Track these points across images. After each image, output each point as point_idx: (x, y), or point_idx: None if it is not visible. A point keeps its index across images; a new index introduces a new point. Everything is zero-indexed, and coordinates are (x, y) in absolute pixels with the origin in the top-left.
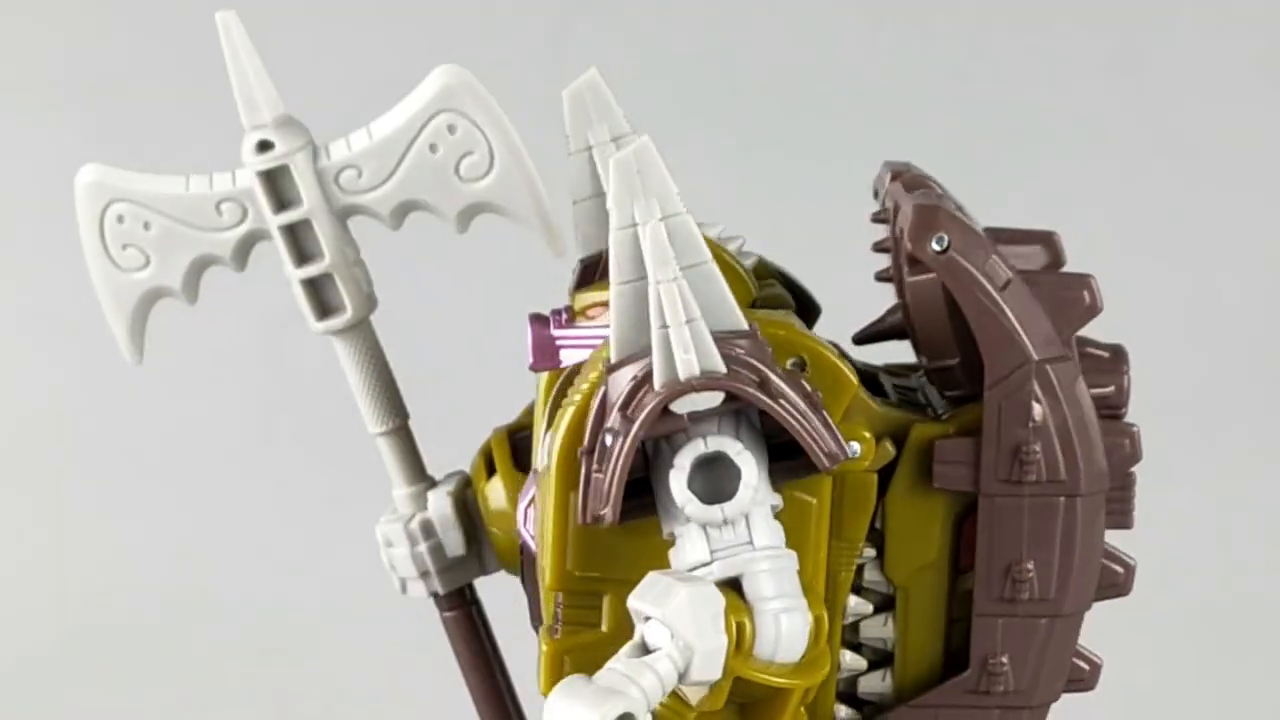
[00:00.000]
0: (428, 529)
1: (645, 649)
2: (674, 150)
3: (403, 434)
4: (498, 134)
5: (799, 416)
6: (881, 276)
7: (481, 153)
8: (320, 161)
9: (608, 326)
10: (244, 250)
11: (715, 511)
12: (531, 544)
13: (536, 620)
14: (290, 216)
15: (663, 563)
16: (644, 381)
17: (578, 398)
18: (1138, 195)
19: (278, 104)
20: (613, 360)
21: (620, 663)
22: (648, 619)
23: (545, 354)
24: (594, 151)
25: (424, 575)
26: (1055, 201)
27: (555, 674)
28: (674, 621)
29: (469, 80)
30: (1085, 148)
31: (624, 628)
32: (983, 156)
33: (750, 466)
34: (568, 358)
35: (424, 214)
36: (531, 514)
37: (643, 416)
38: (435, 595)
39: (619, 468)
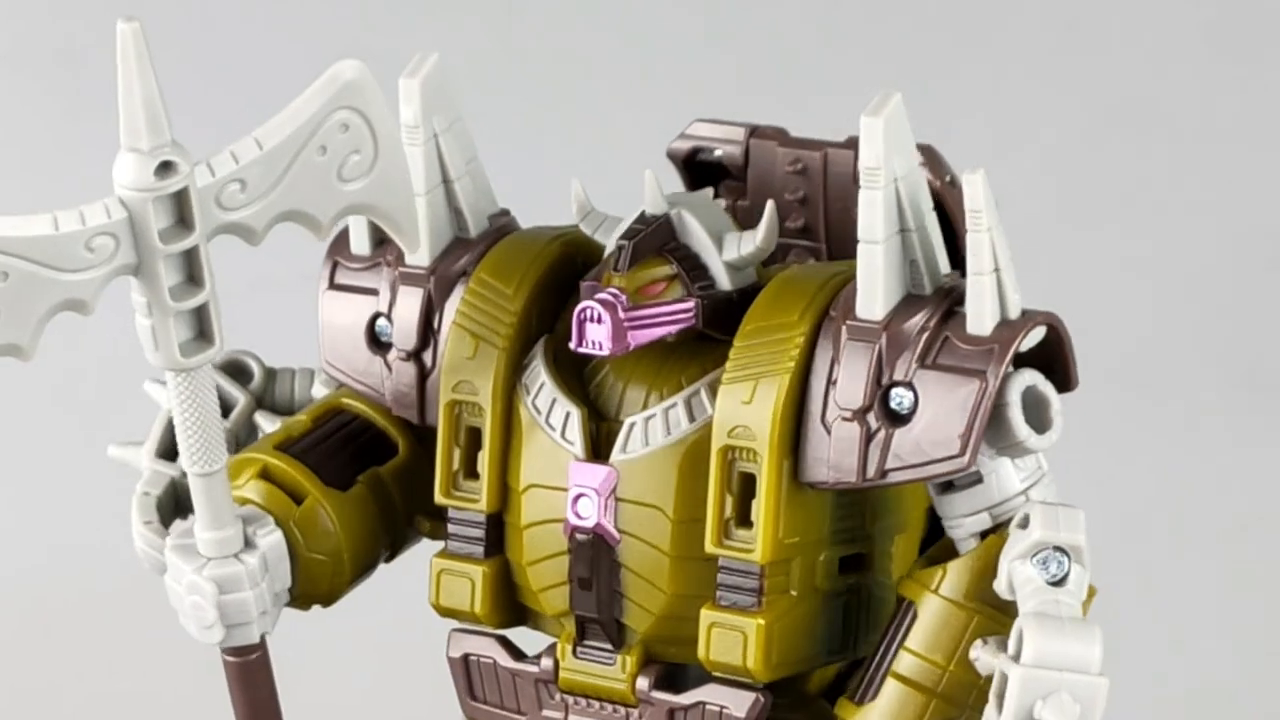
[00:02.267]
0: (264, 566)
1: None
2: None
3: (223, 474)
4: (386, 130)
5: None
6: None
7: (366, 151)
8: (203, 179)
9: (680, 302)
10: (102, 289)
11: (1046, 439)
12: (615, 534)
13: (609, 611)
14: (184, 244)
15: (868, 509)
16: (937, 329)
17: (788, 365)
18: (1087, 162)
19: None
20: (880, 316)
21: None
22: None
23: (619, 338)
24: (440, 139)
25: (261, 616)
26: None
27: (771, 647)
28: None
29: (368, 74)
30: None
31: (808, 589)
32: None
33: (1053, 392)
34: (637, 338)
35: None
36: (611, 505)
37: (1008, 356)
38: (234, 645)
39: (983, 412)
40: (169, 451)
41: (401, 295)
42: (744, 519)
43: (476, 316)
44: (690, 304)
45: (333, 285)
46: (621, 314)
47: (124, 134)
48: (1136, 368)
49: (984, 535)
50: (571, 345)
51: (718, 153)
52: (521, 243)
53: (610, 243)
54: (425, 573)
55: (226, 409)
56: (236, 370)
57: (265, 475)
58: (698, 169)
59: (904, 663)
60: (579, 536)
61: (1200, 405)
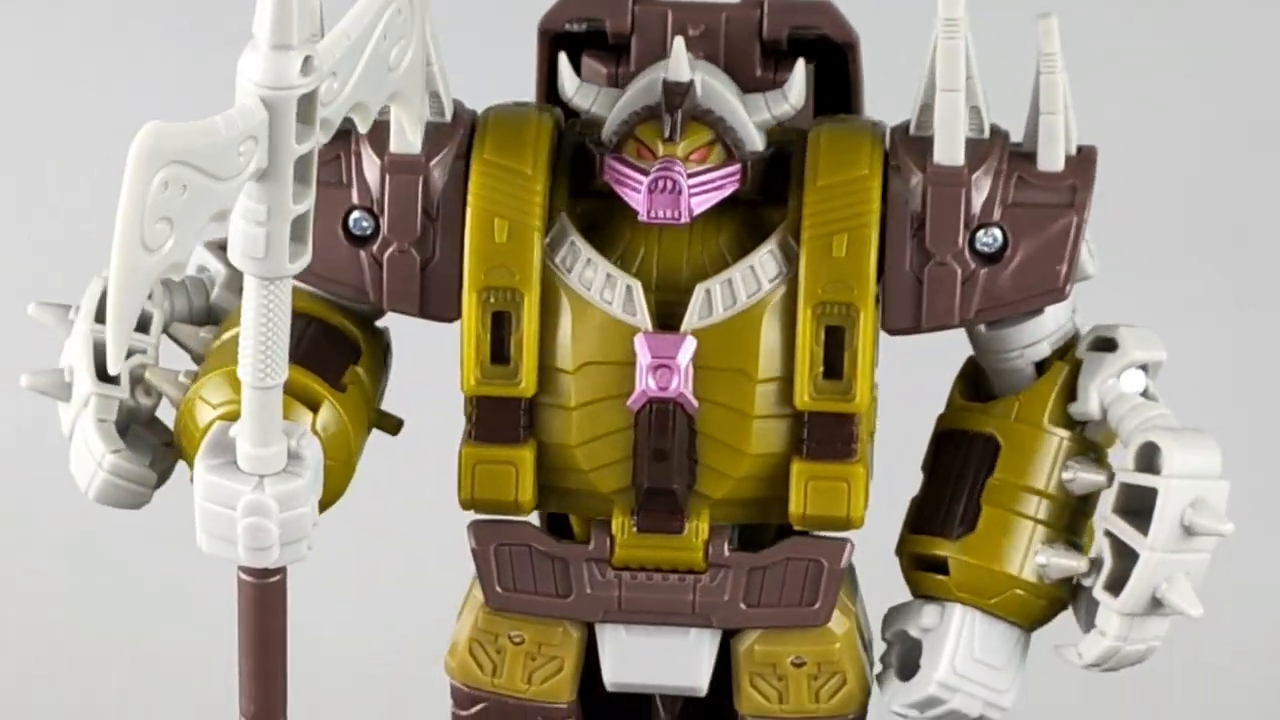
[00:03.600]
0: (316, 477)
1: None
2: None
3: (280, 389)
4: (421, 12)
5: None
6: None
7: (408, 36)
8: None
9: (726, 165)
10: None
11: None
12: (694, 401)
13: (685, 481)
14: (309, 144)
15: None
16: (1010, 169)
17: (869, 217)
18: None
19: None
20: (961, 161)
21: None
22: None
23: (688, 206)
24: (425, 21)
25: (313, 530)
26: None
27: (866, 494)
28: None
29: None
30: None
31: (870, 435)
32: None
33: None
34: (697, 205)
35: None
36: (689, 373)
37: (1092, 190)
38: (264, 567)
39: (1076, 245)
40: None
41: (393, 184)
42: (830, 371)
43: (499, 199)
44: (737, 167)
45: None
46: (687, 182)
47: (269, 31)
48: None
49: (1039, 365)
50: (642, 216)
51: (584, 28)
52: (513, 120)
53: (611, 114)
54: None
55: (143, 324)
56: None
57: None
58: (558, 42)
59: (996, 492)
60: (658, 408)
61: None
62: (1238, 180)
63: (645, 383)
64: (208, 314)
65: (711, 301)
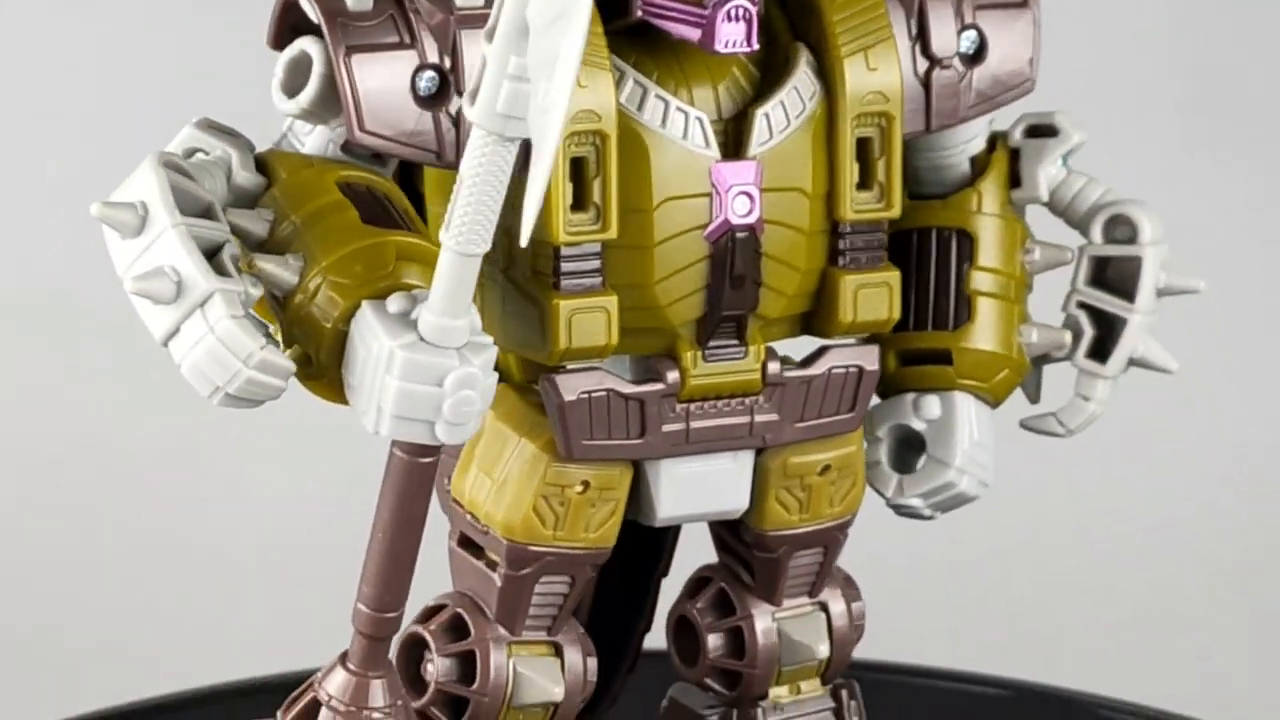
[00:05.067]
0: None
1: None
2: None
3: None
4: None
5: None
6: None
7: None
8: None
9: None
10: None
11: None
12: (762, 224)
13: (751, 304)
14: None
15: None
16: None
17: (884, 32)
18: None
19: None
20: None
21: None
22: None
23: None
24: None
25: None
26: None
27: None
28: None
29: None
30: None
31: None
32: None
33: None
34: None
35: None
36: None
37: None
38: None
39: (1038, 37)
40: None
41: (468, 40)
42: (863, 182)
43: None
44: None
45: (352, 49)
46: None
47: None
48: None
49: (973, 158)
50: (717, 46)
51: None
52: None
53: None
54: None
55: (210, 213)
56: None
57: (407, 256)
58: None
59: (981, 281)
60: (739, 235)
61: None
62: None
63: (726, 211)
64: (230, 198)
65: (770, 124)
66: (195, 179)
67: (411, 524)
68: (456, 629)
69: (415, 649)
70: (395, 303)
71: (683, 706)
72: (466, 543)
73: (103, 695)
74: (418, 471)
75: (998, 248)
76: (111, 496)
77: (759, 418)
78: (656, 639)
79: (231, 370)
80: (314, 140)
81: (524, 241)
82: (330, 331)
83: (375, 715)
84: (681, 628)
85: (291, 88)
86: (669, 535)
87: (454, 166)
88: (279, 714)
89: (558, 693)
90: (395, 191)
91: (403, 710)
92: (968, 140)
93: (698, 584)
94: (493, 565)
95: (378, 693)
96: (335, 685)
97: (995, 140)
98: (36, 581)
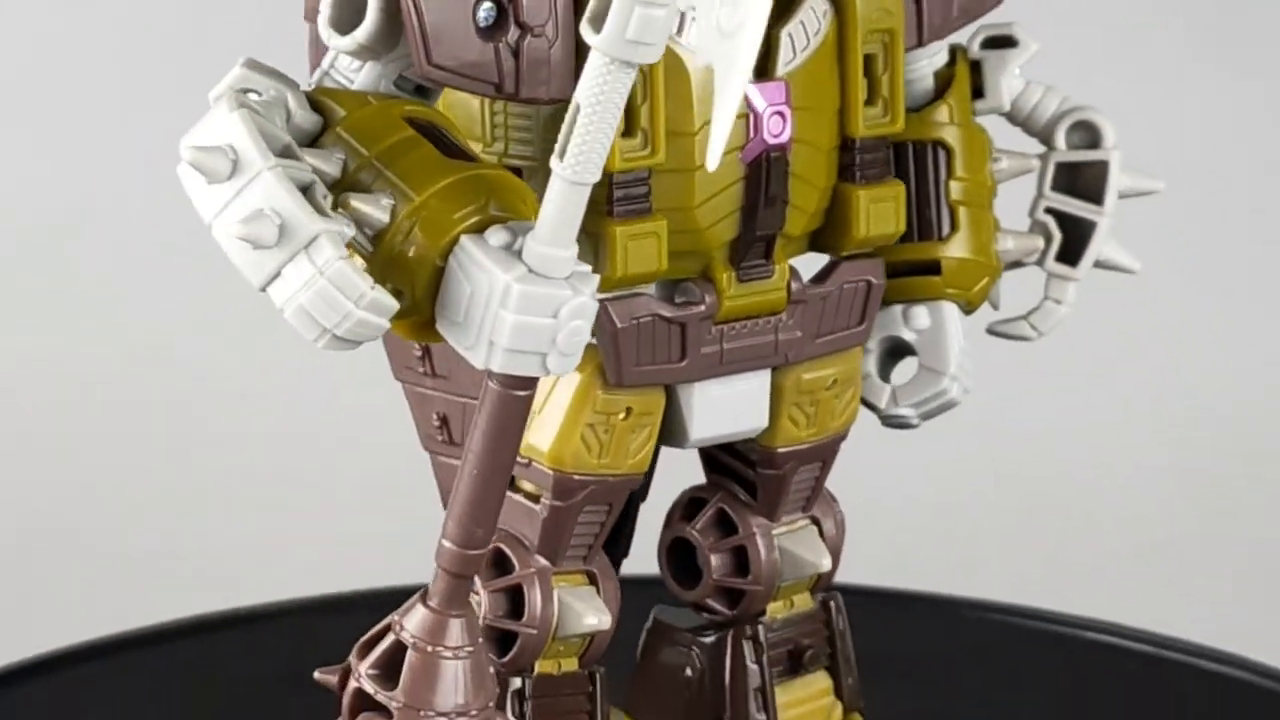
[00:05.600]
0: None
1: None
2: None
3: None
4: None
5: None
6: None
7: None
8: None
9: None
10: None
11: None
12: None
13: (780, 224)
14: None
15: None
16: None
17: None
18: None
19: None
20: None
21: None
22: None
23: None
24: None
25: None
26: None
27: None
28: None
29: None
30: None
31: None
32: None
33: None
34: None
35: None
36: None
37: None
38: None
39: None
40: None
41: None
42: (870, 98)
43: None
44: None
45: None
46: None
47: None
48: None
49: (935, 73)
50: None
51: None
52: None
53: None
54: None
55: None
56: None
57: (496, 188)
58: None
59: (960, 191)
60: (772, 155)
61: None
62: None
63: (764, 131)
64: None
65: (794, 44)
66: (267, 120)
67: (503, 459)
68: (499, 564)
69: None
70: (497, 236)
71: (668, 627)
72: None
73: (147, 612)
74: (513, 405)
75: (972, 158)
76: (162, 416)
77: (783, 336)
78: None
79: (342, 312)
80: (365, 77)
81: (713, 167)
82: (428, 268)
83: (451, 653)
84: (675, 551)
85: (341, 24)
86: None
87: (513, 98)
88: (352, 659)
89: (605, 620)
90: (452, 125)
91: (480, 651)
92: (933, 54)
93: (691, 506)
94: (533, 498)
95: (456, 631)
96: (414, 622)
97: (954, 53)
98: (78, 498)
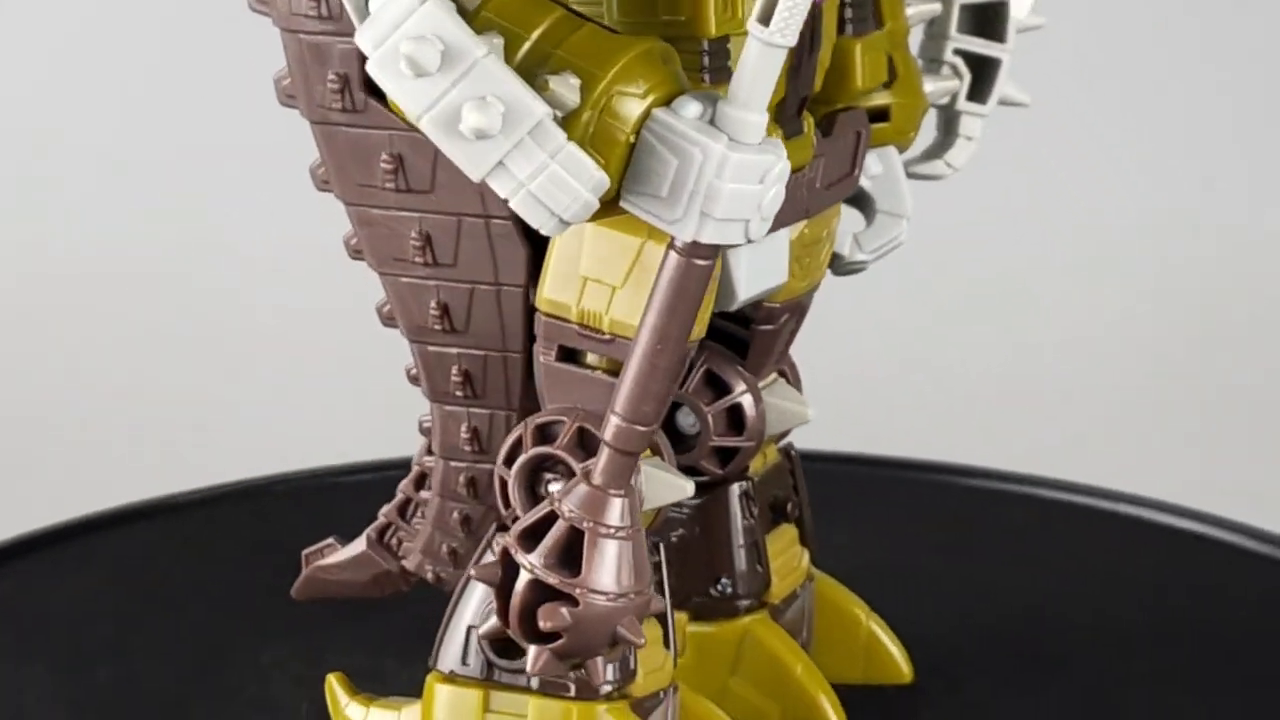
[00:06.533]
0: None
1: None
2: None
3: None
4: None
5: None
6: None
7: None
8: None
9: None
10: None
11: None
12: None
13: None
14: None
15: None
16: None
17: None
18: None
19: None
20: None
21: None
22: None
23: None
24: None
25: None
26: None
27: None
28: None
29: None
30: None
31: None
32: None
33: None
34: None
35: None
36: None
37: None
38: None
39: None
40: None
41: None
42: None
43: None
44: None
45: None
46: None
47: None
48: None
49: None
50: None
51: None
52: None
53: None
54: None
55: None
56: None
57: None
58: None
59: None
60: (814, 15)
61: None
62: None
63: None
64: None
65: None
66: None
67: (681, 331)
68: (583, 444)
69: (536, 471)
70: (690, 107)
71: None
72: (567, 355)
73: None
74: (696, 273)
75: (893, 3)
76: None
77: (808, 190)
78: None
79: (573, 195)
80: None
81: None
82: (624, 143)
83: (609, 531)
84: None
85: None
86: None
87: None
88: (514, 552)
89: (689, 487)
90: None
91: (640, 533)
92: None
93: None
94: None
95: (616, 510)
96: (575, 498)
97: None
98: (78, 372)
